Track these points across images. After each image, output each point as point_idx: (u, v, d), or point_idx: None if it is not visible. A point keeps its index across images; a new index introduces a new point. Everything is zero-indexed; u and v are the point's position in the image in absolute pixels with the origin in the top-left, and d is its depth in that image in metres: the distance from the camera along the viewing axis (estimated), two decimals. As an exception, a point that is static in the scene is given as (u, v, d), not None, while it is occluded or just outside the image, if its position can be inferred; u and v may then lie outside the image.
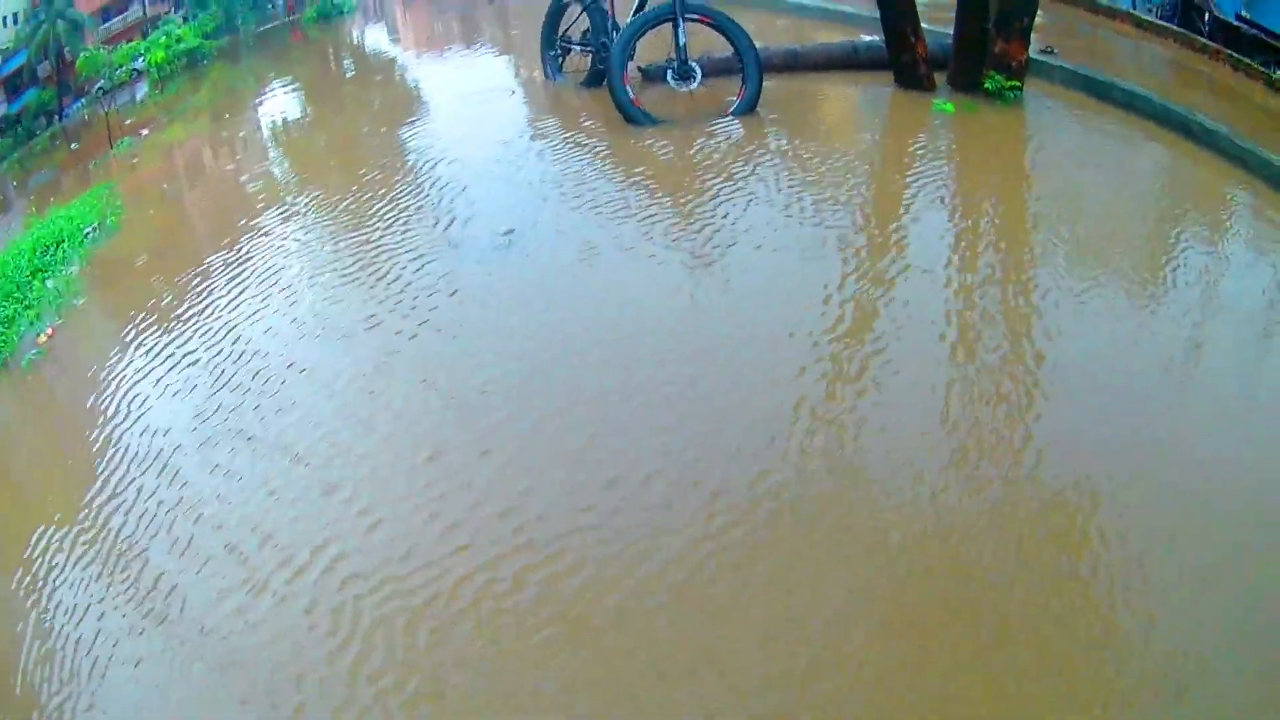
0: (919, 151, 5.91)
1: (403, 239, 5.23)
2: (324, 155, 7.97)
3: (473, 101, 8.08)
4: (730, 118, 6.38)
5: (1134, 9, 12.84)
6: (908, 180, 5.45)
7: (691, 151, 5.88)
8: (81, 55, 18.18)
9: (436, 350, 4.21)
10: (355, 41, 16.91)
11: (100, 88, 18.76)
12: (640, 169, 5.75)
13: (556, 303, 4.40)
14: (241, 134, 10.14)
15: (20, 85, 21.94)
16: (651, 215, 5.09)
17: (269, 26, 22.19)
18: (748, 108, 6.44)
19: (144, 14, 25.08)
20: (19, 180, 17.66)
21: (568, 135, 6.55)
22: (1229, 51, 10.69)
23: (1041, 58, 7.65)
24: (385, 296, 4.66)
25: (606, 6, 7.33)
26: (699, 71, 6.55)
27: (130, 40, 22.11)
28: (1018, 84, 6.83)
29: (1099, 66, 7.96)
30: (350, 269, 5.05)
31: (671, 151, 5.93)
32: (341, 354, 4.29)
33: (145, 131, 12.48)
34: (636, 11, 7.06)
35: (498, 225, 5.13)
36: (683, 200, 5.22)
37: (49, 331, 5.39)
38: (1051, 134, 6.54)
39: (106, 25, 24.44)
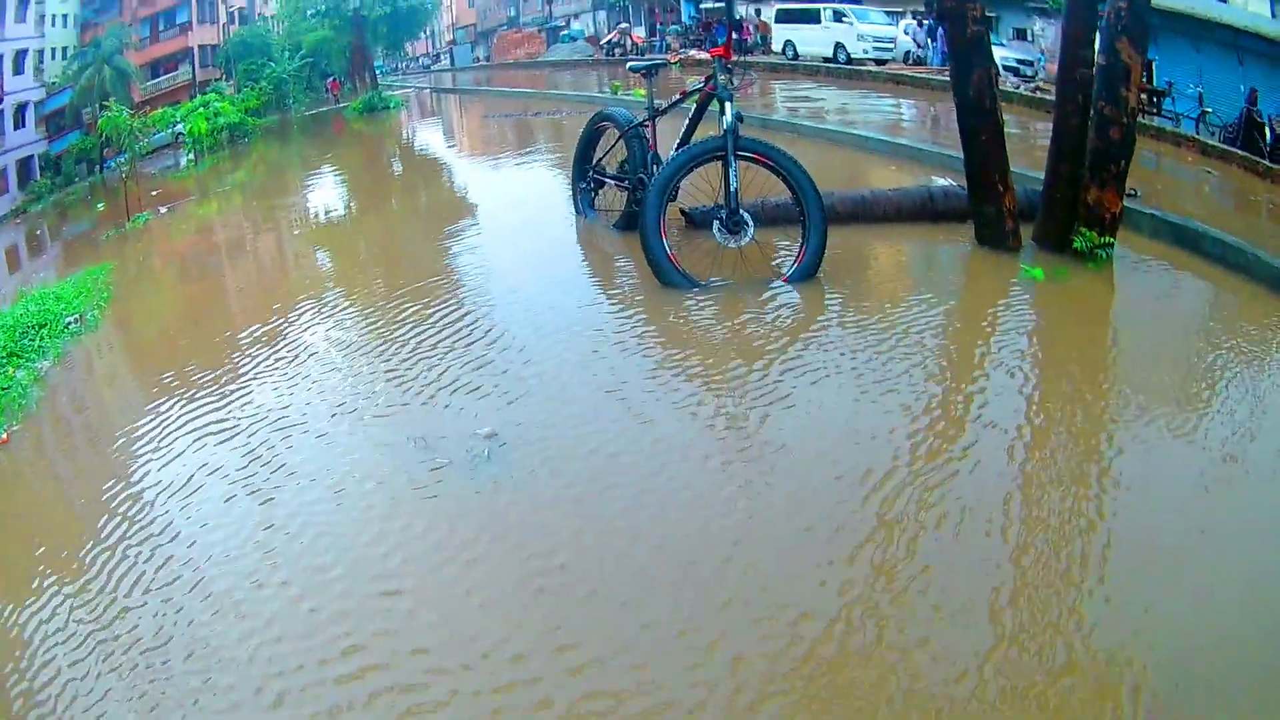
0: (1004, 337, 4.64)
1: (374, 423, 3.96)
2: (328, 277, 6.74)
3: (499, 235, 6.95)
4: (786, 284, 5.04)
5: (1197, 134, 11.89)
6: (987, 377, 4.14)
7: (736, 328, 4.58)
8: (102, 116, 17.59)
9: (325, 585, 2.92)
10: (406, 139, 16.09)
11: (140, 148, 18.29)
12: (671, 350, 4.41)
13: (527, 542, 3.06)
14: (260, 232, 9.20)
15: (63, 126, 21.40)
16: (679, 421, 3.77)
17: (320, 110, 21.68)
18: (808, 273, 5.11)
19: (193, 77, 24.78)
20: (53, 224, 16.99)
21: (587, 296, 5.28)
22: None
23: (1125, 203, 6.42)
24: (306, 504, 3.38)
25: (647, 134, 6.03)
26: (751, 224, 5.17)
27: (178, 102, 21.59)
28: (1110, 241, 5.64)
29: (1174, 204, 7.13)
30: (286, 453, 3.81)
31: (712, 327, 4.62)
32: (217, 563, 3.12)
33: (164, 209, 12.01)
34: (681, 144, 5.77)
35: (480, 422, 3.81)
36: (723, 398, 3.92)
37: (3, 438, 4.57)
38: (1151, 308, 5.37)
39: (155, 82, 24.19)
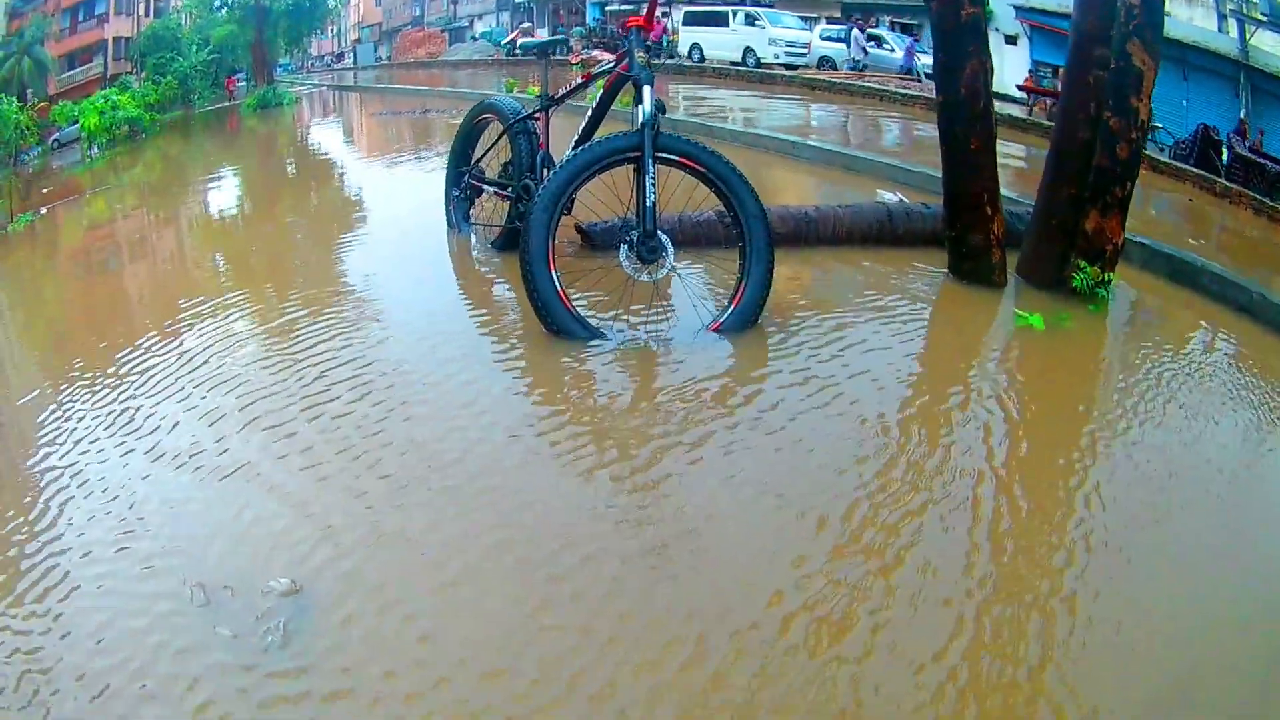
0: (1014, 418, 3.08)
1: (159, 550, 2.27)
2: (178, 312, 4.44)
3: (361, 261, 5.00)
4: (716, 334, 3.44)
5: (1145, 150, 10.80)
6: (1002, 497, 2.60)
7: (647, 399, 3.00)
8: (-7, 110, 16.10)
9: None
10: (295, 138, 14.58)
11: (56, 140, 17.56)
12: (554, 431, 2.78)
13: None
14: (130, 243, 7.34)
15: (-20, 118, 19.54)
16: (565, 571, 2.18)
17: (220, 106, 19.76)
18: (746, 319, 3.52)
19: (105, 70, 22.82)
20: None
21: (449, 351, 3.43)
22: (1251, 193, 9.31)
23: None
24: None
25: (538, 129, 4.37)
26: (670, 249, 3.51)
27: (90, 95, 19.76)
28: (1109, 279, 4.31)
29: (1155, 230, 6.13)
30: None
31: (614, 396, 3.02)
32: None
33: (44, 210, 10.13)
34: (581, 141, 4.12)
35: (281, 561, 2.18)
36: (618, 507, 2.39)
37: None
38: (1176, 365, 3.81)
39: (70, 74, 22.28)
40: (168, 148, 15.14)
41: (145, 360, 3.54)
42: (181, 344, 3.68)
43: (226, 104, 19.83)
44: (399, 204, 6.86)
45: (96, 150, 15.95)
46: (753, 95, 14.11)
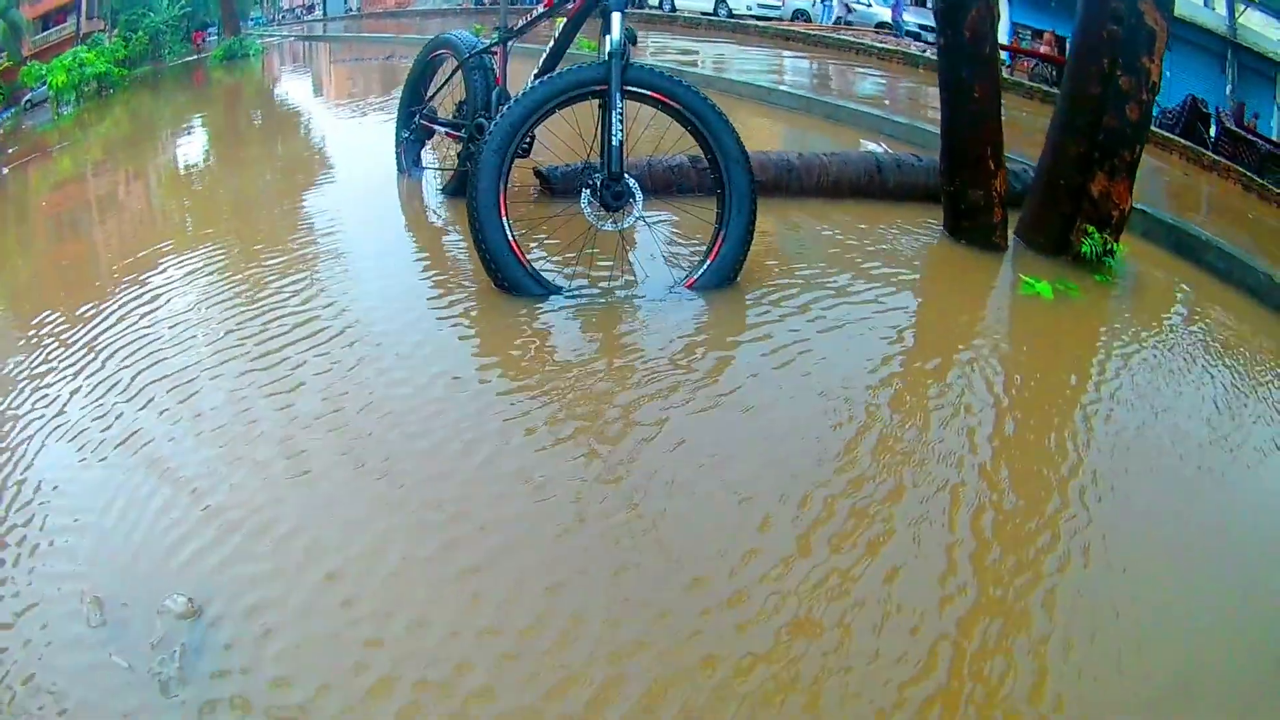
0: (1026, 404, 2.61)
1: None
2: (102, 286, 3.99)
3: (304, 214, 4.30)
4: (691, 292, 2.95)
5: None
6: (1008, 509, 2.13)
7: (610, 368, 2.51)
8: (-51, 75, 15.78)
9: None
10: (258, 88, 14.00)
11: (29, 100, 17.04)
12: (502, 412, 2.26)
13: None
14: (80, 205, 6.69)
15: (-44, 82, 19.16)
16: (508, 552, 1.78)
17: (189, 60, 19.10)
18: (724, 276, 3.03)
19: (77, 31, 22.04)
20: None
21: (389, 310, 2.89)
22: (1240, 169, 8.84)
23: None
24: None
25: (495, 64, 3.84)
26: (638, 195, 3.01)
27: (62, 53, 19.11)
28: (1115, 247, 3.90)
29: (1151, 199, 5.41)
30: None
31: (572, 364, 2.53)
32: None
33: (6, 170, 9.48)
34: (542, 74, 3.57)
35: (183, 573, 1.70)
36: (579, 486, 1.97)
37: None
38: (1203, 347, 3.38)
39: (44, 34, 21.53)
40: (134, 102, 14.61)
41: (64, 323, 3.02)
42: (109, 304, 3.15)
43: (195, 57, 19.21)
44: (344, 150, 6.28)
45: (65, 108, 15.41)
46: (725, 44, 13.64)
